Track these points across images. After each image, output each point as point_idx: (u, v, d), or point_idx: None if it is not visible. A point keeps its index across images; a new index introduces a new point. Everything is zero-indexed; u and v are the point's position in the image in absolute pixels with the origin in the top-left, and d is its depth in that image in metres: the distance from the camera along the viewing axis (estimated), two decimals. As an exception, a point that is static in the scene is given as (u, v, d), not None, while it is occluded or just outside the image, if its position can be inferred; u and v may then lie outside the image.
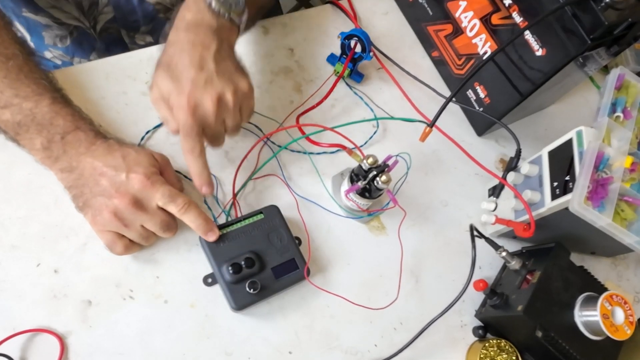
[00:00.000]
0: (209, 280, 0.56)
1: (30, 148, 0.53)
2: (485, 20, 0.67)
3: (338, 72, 0.71)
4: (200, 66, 0.52)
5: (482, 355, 0.60)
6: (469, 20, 0.69)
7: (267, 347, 0.57)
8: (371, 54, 0.70)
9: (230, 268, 0.54)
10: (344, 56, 0.70)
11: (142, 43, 0.81)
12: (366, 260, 0.64)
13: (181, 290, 0.57)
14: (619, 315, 0.54)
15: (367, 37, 0.67)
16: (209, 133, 0.55)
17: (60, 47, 0.79)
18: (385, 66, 0.76)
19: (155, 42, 0.81)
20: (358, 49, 0.70)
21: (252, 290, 0.54)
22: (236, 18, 0.57)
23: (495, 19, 0.66)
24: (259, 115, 0.67)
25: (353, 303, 0.59)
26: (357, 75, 0.73)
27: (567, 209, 0.54)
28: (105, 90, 0.63)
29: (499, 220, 0.65)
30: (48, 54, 0.80)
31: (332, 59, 0.74)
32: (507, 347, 0.61)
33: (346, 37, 0.68)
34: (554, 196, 0.58)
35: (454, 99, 0.61)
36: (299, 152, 0.67)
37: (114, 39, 0.79)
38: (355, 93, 0.73)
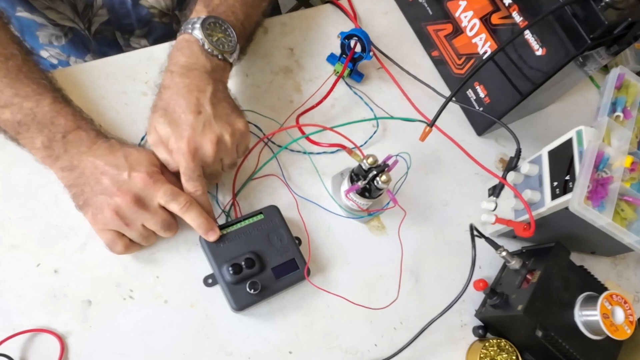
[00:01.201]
0: (209, 280, 0.56)
1: (30, 147, 0.53)
2: (485, 20, 0.67)
3: (338, 72, 0.71)
4: (198, 110, 0.53)
5: (482, 355, 0.60)
6: (468, 19, 0.69)
7: (267, 346, 0.57)
8: (371, 53, 0.70)
9: (230, 268, 0.54)
10: (344, 56, 0.70)
11: (137, 46, 0.81)
12: (366, 260, 0.64)
13: (181, 290, 0.57)
14: (619, 314, 0.54)
15: (366, 37, 0.67)
16: (207, 172, 0.56)
17: (57, 45, 0.79)
18: (385, 66, 0.76)
19: (151, 45, 0.81)
20: (358, 48, 0.70)
21: (252, 290, 0.54)
22: (229, 57, 0.58)
23: (495, 19, 0.66)
24: (259, 116, 0.67)
25: (353, 303, 0.59)
26: (357, 75, 0.73)
27: (567, 208, 0.54)
28: (105, 90, 0.63)
29: (498, 220, 0.65)
30: (44, 53, 0.80)
31: (332, 58, 0.74)
32: (507, 346, 0.61)
33: (346, 37, 0.68)
34: (554, 196, 0.58)
35: (453, 98, 0.61)
36: (298, 152, 0.67)
37: (108, 42, 0.79)
38: (355, 93, 0.73)
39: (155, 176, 0.53)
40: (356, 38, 0.68)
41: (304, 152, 0.67)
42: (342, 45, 0.70)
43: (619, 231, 0.54)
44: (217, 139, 0.53)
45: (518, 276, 0.60)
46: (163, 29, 0.79)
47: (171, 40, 0.79)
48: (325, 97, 0.68)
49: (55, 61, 0.81)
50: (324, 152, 0.68)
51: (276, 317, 0.59)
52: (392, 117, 0.73)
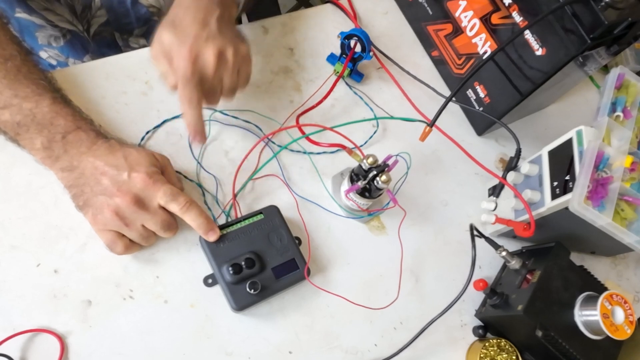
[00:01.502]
0: (209, 280, 0.56)
1: (30, 148, 0.52)
2: (485, 20, 0.67)
3: (338, 72, 0.71)
4: (205, 24, 0.54)
5: (482, 355, 0.60)
6: (468, 19, 0.69)
7: (267, 346, 0.57)
8: (371, 53, 0.69)
9: (230, 268, 0.54)
10: (344, 56, 0.70)
11: (135, 46, 0.81)
12: (366, 260, 0.64)
13: (181, 290, 0.57)
14: (619, 314, 0.54)
15: (366, 37, 0.67)
16: (205, 86, 0.55)
17: (55, 46, 0.79)
18: (385, 66, 0.76)
19: (149, 45, 0.81)
20: (358, 48, 0.70)
21: (252, 290, 0.54)
22: None
23: (495, 19, 0.66)
24: (259, 115, 0.67)
25: (353, 303, 0.59)
26: (357, 75, 0.73)
27: (567, 208, 0.54)
28: (105, 90, 0.63)
29: (498, 220, 0.65)
30: (43, 54, 0.80)
31: (332, 58, 0.74)
32: (507, 346, 0.61)
33: (346, 37, 0.68)
34: (554, 196, 0.58)
35: (453, 98, 0.61)
36: (298, 151, 0.67)
37: (107, 42, 0.79)
38: (355, 93, 0.73)
39: (155, 176, 0.52)
40: (356, 38, 0.68)
41: (304, 152, 0.67)
42: (342, 45, 0.70)
43: (619, 231, 0.54)
44: (219, 51, 0.54)
45: (518, 276, 0.60)
46: None
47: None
48: (325, 97, 0.68)
49: (54, 62, 0.81)
50: (324, 152, 0.68)
51: (276, 317, 0.59)
52: (392, 117, 0.73)
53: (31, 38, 0.77)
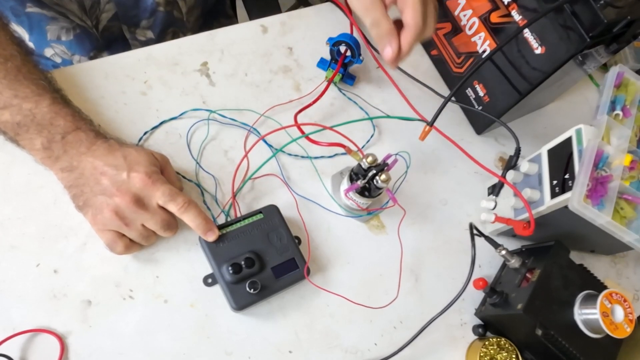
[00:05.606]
0: (209, 280, 0.56)
1: (30, 148, 0.53)
2: (484, 19, 0.67)
3: (328, 78, 0.70)
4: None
5: (482, 354, 0.60)
6: (468, 18, 0.69)
7: (267, 346, 0.57)
8: (361, 57, 0.68)
9: (230, 268, 0.54)
10: (334, 62, 0.69)
11: (142, 39, 0.81)
12: (366, 259, 0.64)
13: (181, 290, 0.57)
14: (619, 313, 0.54)
15: (355, 42, 0.66)
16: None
17: (64, 41, 0.79)
18: (383, 66, 0.76)
19: (155, 38, 0.81)
20: (348, 52, 0.69)
21: (252, 290, 0.54)
22: None
23: (494, 17, 0.66)
24: (258, 115, 0.67)
25: (353, 302, 0.59)
26: (349, 79, 0.72)
27: (566, 207, 0.54)
28: (104, 90, 0.63)
29: (498, 219, 0.65)
30: (49, 52, 0.80)
31: (322, 64, 0.73)
32: (507, 345, 0.61)
33: (334, 44, 0.68)
34: (554, 194, 0.58)
35: (453, 98, 0.61)
36: (297, 155, 0.67)
37: (114, 37, 0.79)
38: (350, 99, 0.72)
39: (154, 176, 0.53)
40: (345, 44, 0.67)
41: (305, 157, 0.67)
42: (332, 52, 0.69)
43: (619, 230, 0.54)
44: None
45: (518, 275, 0.60)
46: (166, 17, 0.80)
47: (171, 29, 0.77)
48: (314, 102, 0.67)
49: (58, 60, 0.81)
50: (322, 157, 0.67)
51: (276, 317, 0.59)
52: (389, 117, 0.73)
53: (41, 33, 0.77)
